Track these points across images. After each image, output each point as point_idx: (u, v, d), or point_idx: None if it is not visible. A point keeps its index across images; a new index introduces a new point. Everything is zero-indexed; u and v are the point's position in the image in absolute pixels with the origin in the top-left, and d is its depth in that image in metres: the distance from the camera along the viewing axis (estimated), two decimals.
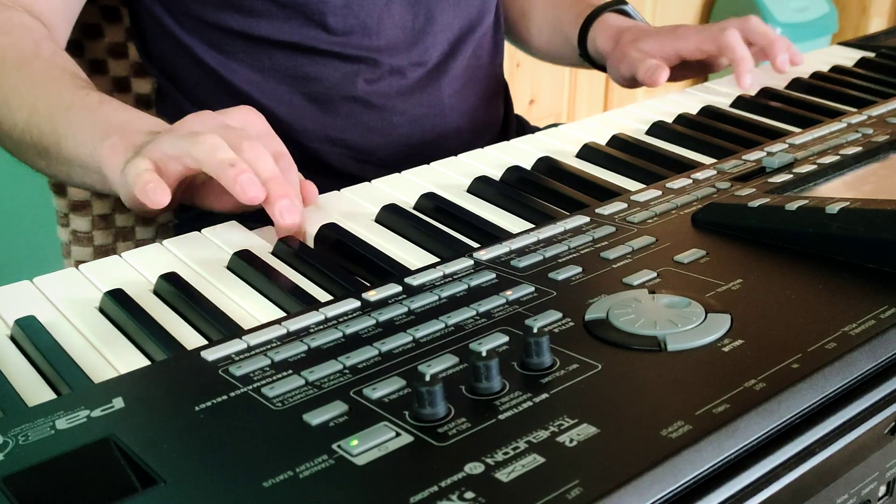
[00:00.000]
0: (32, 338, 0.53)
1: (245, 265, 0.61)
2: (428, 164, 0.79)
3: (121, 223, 1.01)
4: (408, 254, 0.64)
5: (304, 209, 0.66)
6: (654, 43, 0.96)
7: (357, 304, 0.53)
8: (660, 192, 0.67)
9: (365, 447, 0.40)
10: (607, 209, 0.64)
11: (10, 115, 0.76)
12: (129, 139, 0.67)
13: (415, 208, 0.71)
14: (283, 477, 0.38)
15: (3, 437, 0.42)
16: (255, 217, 0.67)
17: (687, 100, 0.94)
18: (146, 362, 0.52)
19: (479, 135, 1.02)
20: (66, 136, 0.72)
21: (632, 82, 0.98)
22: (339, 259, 0.64)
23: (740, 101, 0.92)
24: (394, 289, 0.54)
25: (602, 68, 1.05)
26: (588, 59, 1.06)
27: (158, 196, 0.60)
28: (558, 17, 1.08)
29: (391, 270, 0.60)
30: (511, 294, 0.53)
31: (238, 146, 0.63)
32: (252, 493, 0.38)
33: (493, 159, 0.79)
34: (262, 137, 0.67)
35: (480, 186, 0.73)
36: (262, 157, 0.63)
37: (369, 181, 0.75)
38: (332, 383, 0.45)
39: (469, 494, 0.37)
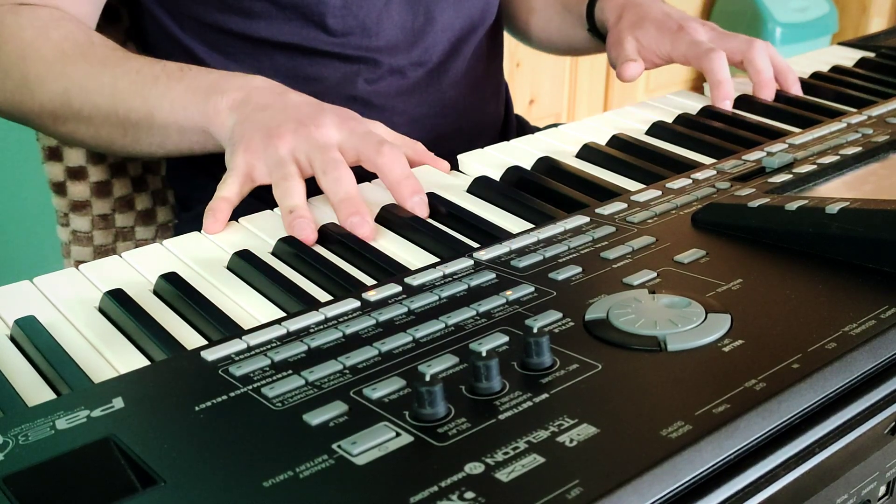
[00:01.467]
0: (32, 338, 0.53)
1: (245, 265, 0.61)
2: None
3: (121, 223, 1.01)
4: (408, 254, 0.64)
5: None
6: (652, 37, 0.93)
7: (357, 304, 0.53)
8: (660, 192, 0.67)
9: (365, 447, 0.40)
10: (607, 209, 0.64)
11: (90, 100, 0.79)
12: (231, 97, 0.74)
13: None
14: (283, 477, 0.38)
15: (3, 437, 0.42)
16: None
17: (687, 100, 0.94)
18: (146, 362, 0.52)
19: (479, 135, 1.02)
20: (160, 105, 0.76)
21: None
22: (340, 259, 0.64)
23: (741, 102, 0.92)
24: (394, 289, 0.54)
25: None
26: (597, 33, 1.03)
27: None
28: (566, 2, 1.07)
29: (391, 270, 0.60)
30: (511, 294, 0.53)
31: (324, 170, 0.68)
32: (252, 493, 0.38)
33: (493, 159, 0.79)
34: (367, 134, 0.71)
35: (480, 186, 0.73)
36: (341, 181, 0.68)
37: (370, 181, 0.75)
38: (332, 383, 0.45)
39: (469, 494, 0.37)
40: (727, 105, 0.90)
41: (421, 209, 0.68)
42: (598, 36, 1.04)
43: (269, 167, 0.69)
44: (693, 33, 0.92)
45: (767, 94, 0.91)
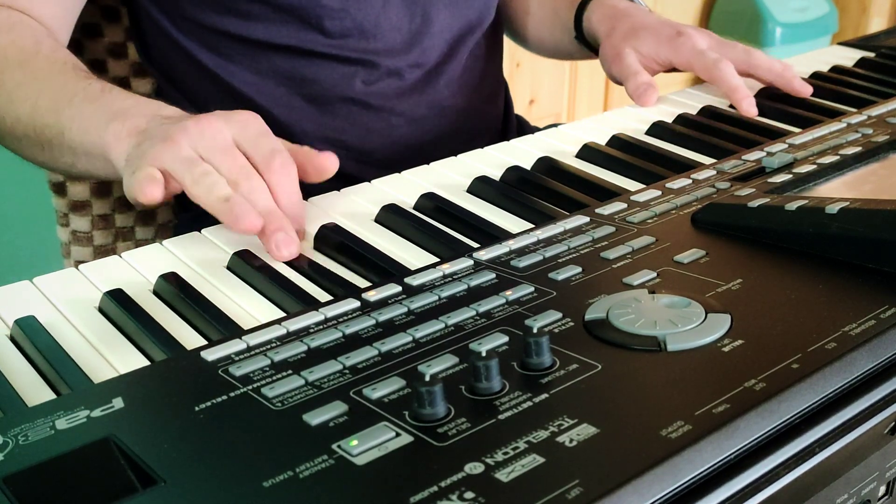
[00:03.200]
0: (32, 338, 0.53)
1: (245, 265, 0.61)
2: (428, 164, 0.79)
3: (121, 223, 1.01)
4: (408, 254, 0.64)
5: (300, 239, 0.65)
6: (650, 45, 0.93)
7: (357, 304, 0.53)
8: (660, 192, 0.67)
9: (365, 447, 0.40)
10: (607, 209, 0.64)
11: (14, 111, 0.77)
12: (132, 123, 0.68)
13: (415, 208, 0.71)
14: (283, 477, 0.38)
15: (3, 437, 0.42)
16: None
17: (687, 100, 0.94)
18: (146, 362, 0.52)
19: (479, 135, 1.02)
20: (69, 126, 0.73)
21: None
22: (339, 259, 0.64)
23: None
24: (394, 289, 0.54)
25: (597, 51, 1.00)
26: (584, 41, 1.02)
27: (151, 192, 0.61)
28: (557, 5, 1.06)
29: (391, 270, 0.60)
30: (511, 294, 0.53)
31: (235, 181, 0.63)
32: (252, 493, 0.38)
33: (493, 159, 0.79)
34: (260, 137, 0.67)
35: (480, 186, 0.73)
36: (257, 191, 0.63)
37: (369, 181, 0.75)
38: (332, 383, 0.45)
39: (469, 494, 0.37)
40: (751, 104, 0.88)
41: (283, 250, 0.62)
42: (585, 44, 1.03)
43: (180, 170, 0.63)
44: (693, 40, 0.92)
45: (792, 74, 0.91)
